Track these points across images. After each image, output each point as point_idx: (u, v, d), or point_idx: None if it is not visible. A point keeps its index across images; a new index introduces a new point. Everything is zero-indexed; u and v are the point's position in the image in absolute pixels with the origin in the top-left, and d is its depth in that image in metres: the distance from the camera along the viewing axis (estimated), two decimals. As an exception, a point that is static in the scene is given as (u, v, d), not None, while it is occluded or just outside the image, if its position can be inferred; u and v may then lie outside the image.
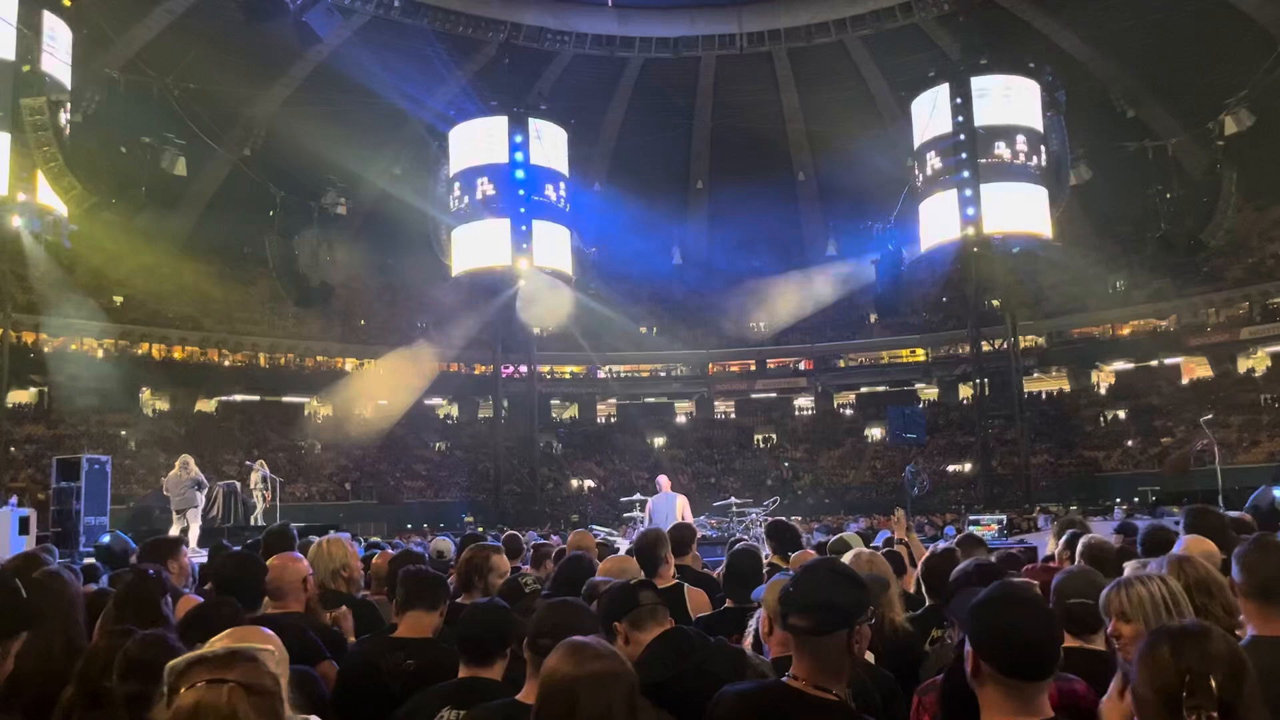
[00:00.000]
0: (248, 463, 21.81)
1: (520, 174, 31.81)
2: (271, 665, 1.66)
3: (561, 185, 33.40)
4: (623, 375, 54.53)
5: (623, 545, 11.93)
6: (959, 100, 30.55)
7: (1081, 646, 3.11)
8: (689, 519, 15.55)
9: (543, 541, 8.27)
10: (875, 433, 50.68)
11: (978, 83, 30.71)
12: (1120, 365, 47.89)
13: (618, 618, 3.06)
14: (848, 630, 2.40)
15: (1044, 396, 49.12)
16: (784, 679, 2.45)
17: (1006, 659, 2.09)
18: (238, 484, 19.84)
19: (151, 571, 3.59)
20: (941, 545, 5.86)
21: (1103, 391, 48.53)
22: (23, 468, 32.70)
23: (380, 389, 44.40)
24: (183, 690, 1.63)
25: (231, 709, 1.59)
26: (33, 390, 39.79)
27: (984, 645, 2.12)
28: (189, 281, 42.06)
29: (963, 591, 2.82)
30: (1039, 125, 30.72)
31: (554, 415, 53.09)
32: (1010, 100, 30.89)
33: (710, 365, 55.05)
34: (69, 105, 21.69)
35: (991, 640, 2.11)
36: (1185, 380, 45.74)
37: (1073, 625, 3.10)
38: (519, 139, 31.82)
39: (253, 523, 18.63)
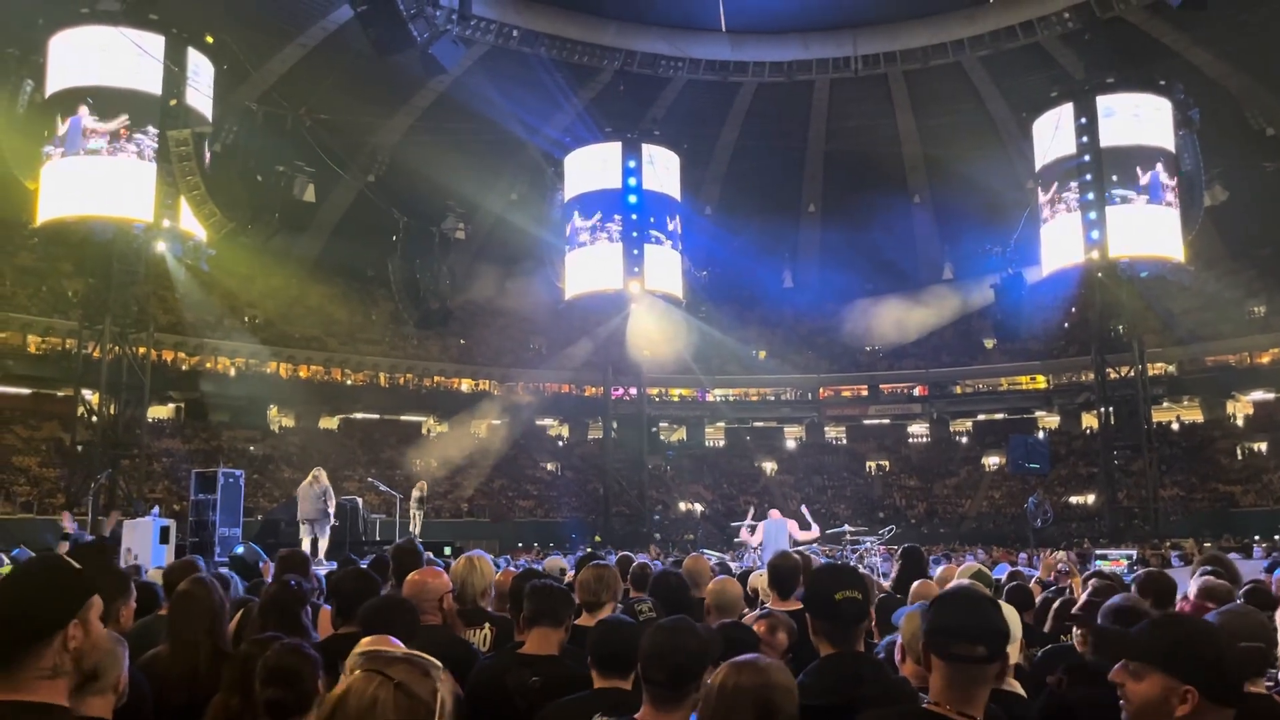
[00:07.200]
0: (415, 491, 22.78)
1: (633, 199, 32.17)
2: (441, 684, 1.70)
3: (674, 209, 33.66)
4: (732, 399, 54.29)
5: (734, 569, 11.88)
6: (1084, 120, 29.58)
7: (1248, 690, 3.02)
8: (800, 535, 15.54)
9: (646, 560, 8.28)
10: (993, 461, 49.16)
11: (1104, 102, 29.71)
12: (1260, 395, 45.35)
13: (817, 615, 3.13)
14: None
15: (1175, 427, 46.89)
16: (924, 703, 2.45)
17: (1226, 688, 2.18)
18: (359, 499, 20.50)
19: (293, 583, 3.76)
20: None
21: (1240, 423, 46.06)
22: (160, 480, 34.43)
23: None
24: (345, 674, 1.70)
25: (373, 699, 1.64)
26: (170, 406, 41.91)
27: (1210, 679, 2.16)
28: (315, 303, 43.82)
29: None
30: (1170, 145, 29.52)
31: (662, 438, 53.19)
32: (1139, 119, 29.74)
33: (821, 390, 54.24)
34: (210, 136, 22.93)
35: (1216, 670, 2.18)
36: (1332, 412, 43.13)
37: (1245, 669, 3.01)
38: (632, 164, 32.20)
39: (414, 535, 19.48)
